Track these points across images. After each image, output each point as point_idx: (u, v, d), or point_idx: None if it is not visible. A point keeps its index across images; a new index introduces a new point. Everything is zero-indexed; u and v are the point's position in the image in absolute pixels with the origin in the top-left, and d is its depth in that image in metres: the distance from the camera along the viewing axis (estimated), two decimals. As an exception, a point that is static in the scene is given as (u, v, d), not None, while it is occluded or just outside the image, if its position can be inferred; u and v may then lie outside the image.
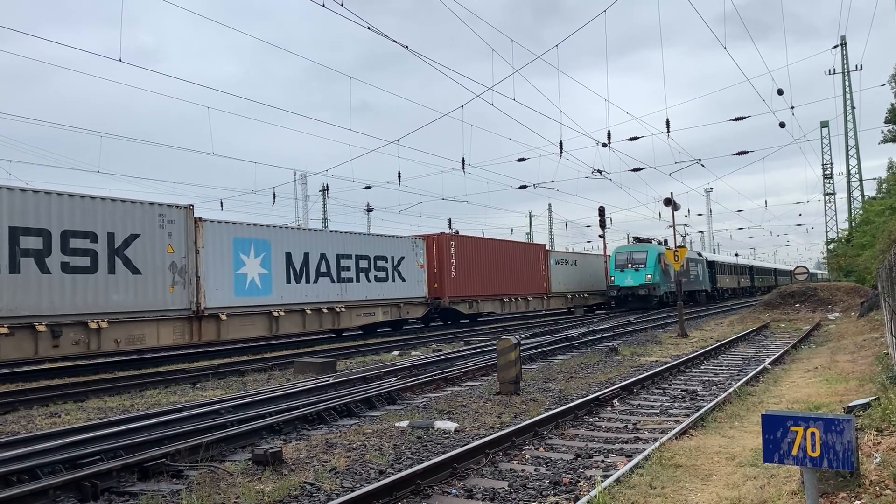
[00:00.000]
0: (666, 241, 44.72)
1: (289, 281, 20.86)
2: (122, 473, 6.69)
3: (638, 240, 42.68)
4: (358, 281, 23.65)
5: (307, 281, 21.48)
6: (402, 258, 26.21)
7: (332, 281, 22.52)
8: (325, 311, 22.02)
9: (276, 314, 20.22)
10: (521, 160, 30.33)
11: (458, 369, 13.94)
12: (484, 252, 31.80)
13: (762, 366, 13.42)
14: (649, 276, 38.95)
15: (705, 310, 40.36)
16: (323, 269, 22.24)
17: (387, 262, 25.36)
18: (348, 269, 23.31)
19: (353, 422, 9.61)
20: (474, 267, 30.56)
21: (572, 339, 20.28)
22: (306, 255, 21.57)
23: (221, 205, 38.62)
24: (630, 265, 39.66)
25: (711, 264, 52.99)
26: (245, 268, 19.40)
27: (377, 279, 24.68)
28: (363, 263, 24.10)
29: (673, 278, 39.11)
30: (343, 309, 22.72)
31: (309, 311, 21.38)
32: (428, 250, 28.27)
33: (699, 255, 50.92)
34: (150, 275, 16.44)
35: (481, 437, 7.88)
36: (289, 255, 20.95)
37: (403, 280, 26.09)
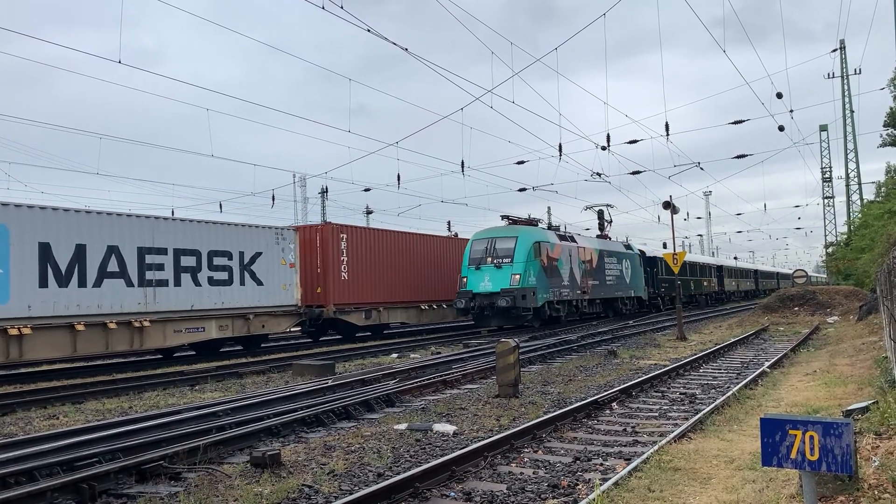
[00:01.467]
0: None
1: (45, 284, 15.23)
2: (121, 475, 6.68)
3: (509, 220, 28.32)
4: (178, 284, 18.00)
5: (81, 284, 15.87)
6: (258, 254, 20.41)
7: (130, 284, 16.92)
8: (113, 325, 16.32)
9: (15, 331, 14.44)
10: (520, 163, 30.33)
11: (456, 372, 13.93)
12: (391, 248, 26.04)
13: (761, 369, 13.42)
14: (518, 275, 25.02)
15: (703, 313, 40.26)
16: (112, 267, 16.58)
17: (230, 259, 19.54)
18: (160, 267, 17.65)
19: (351, 424, 9.60)
20: (376, 267, 24.91)
21: (571, 342, 20.29)
22: (80, 248, 15.94)
23: (220, 207, 38.53)
24: (491, 260, 25.68)
25: (652, 261, 40.14)
26: None
27: (213, 282, 18.94)
28: (188, 261, 18.36)
29: (570, 280, 28.21)
30: (148, 323, 17.08)
31: (82, 327, 15.72)
32: (306, 245, 22.77)
33: (628, 247, 36.91)
34: None
35: (480, 440, 7.87)
36: (46, 247, 15.35)
37: (259, 283, 20.34)
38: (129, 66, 42.83)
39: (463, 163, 23.43)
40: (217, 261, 19.22)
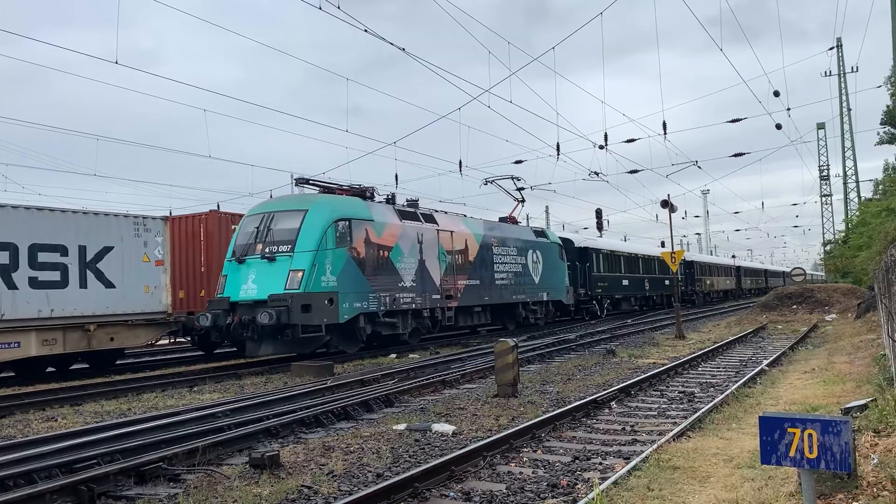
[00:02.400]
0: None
1: None
2: (119, 477, 6.67)
3: (318, 188, 18.97)
4: None
5: None
6: (108, 249, 16.17)
7: None
8: None
9: None
10: (518, 162, 30.38)
11: (455, 372, 13.94)
12: None
13: (759, 367, 13.44)
14: (300, 272, 16.07)
15: (701, 312, 40.26)
16: None
17: (65, 254, 15.39)
18: None
19: (350, 425, 9.59)
20: None
21: (570, 342, 20.31)
22: None
23: (218, 207, 38.41)
24: (261, 248, 16.75)
25: (583, 254, 31.34)
26: None
27: (36, 284, 14.84)
28: None
29: (417, 279, 19.50)
30: None
31: None
32: (187, 238, 19.01)
33: (540, 234, 28.14)
34: None
35: (479, 440, 7.87)
36: None
37: (109, 285, 16.12)
38: (126, 66, 42.82)
39: (461, 162, 23.47)
40: (44, 257, 15.02)
